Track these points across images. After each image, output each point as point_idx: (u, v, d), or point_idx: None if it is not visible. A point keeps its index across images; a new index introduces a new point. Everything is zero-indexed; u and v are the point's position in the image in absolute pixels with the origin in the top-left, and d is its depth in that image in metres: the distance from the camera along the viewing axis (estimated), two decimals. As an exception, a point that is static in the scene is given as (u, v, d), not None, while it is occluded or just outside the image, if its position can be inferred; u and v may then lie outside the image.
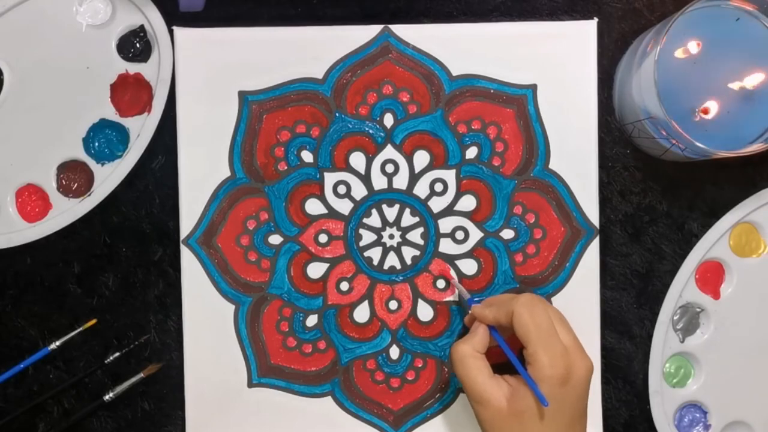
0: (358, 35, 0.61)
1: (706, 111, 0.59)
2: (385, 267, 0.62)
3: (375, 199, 0.62)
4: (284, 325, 0.62)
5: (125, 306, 0.62)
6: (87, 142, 0.61)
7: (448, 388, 0.62)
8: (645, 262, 0.64)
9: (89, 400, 0.61)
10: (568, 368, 0.52)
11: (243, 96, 0.61)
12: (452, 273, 0.61)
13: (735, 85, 0.59)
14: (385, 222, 0.62)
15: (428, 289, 0.62)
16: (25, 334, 0.61)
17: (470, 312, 0.58)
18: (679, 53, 0.59)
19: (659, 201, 0.64)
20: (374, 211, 0.62)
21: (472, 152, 0.62)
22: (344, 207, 0.62)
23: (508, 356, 0.54)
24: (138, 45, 0.61)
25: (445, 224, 0.62)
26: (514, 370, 0.53)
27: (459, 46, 0.61)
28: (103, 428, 0.62)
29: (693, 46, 0.59)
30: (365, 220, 0.62)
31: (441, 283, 0.62)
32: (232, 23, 0.61)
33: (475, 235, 0.62)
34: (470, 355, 0.55)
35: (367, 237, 0.62)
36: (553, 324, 0.53)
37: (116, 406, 0.61)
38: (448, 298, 0.62)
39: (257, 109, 0.61)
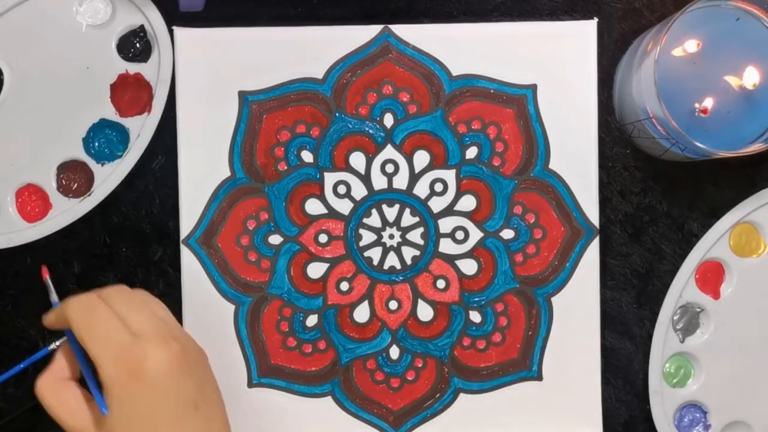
0: (358, 35, 0.61)
1: (705, 111, 0.59)
2: (385, 267, 0.62)
3: (375, 199, 0.62)
4: (284, 325, 0.62)
5: (125, 306, 0.62)
6: (87, 142, 0.61)
7: (448, 388, 0.62)
8: (645, 262, 0.64)
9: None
10: (137, 360, 0.45)
11: (243, 96, 0.61)
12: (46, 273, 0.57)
13: (732, 80, 0.59)
14: (385, 222, 0.62)
15: (428, 289, 0.62)
16: (25, 334, 0.61)
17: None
18: (679, 53, 0.59)
19: (659, 201, 0.64)
20: (374, 211, 0.62)
21: (472, 152, 0.62)
22: (344, 207, 0.62)
23: (82, 368, 0.49)
24: (138, 45, 0.61)
25: (445, 224, 0.62)
26: None
27: (459, 46, 0.61)
28: (103, 428, 0.62)
29: (693, 46, 0.59)
30: (365, 220, 0.62)
31: (441, 283, 0.62)
32: (232, 23, 0.61)
33: (475, 235, 0.62)
34: (50, 387, 0.48)
35: (367, 237, 0.62)
36: (116, 317, 0.46)
37: (116, 406, 0.61)
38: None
39: (257, 109, 0.61)
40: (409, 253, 0.62)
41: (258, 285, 0.61)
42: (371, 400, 0.62)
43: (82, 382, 0.51)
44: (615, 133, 0.63)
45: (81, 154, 0.61)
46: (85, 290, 0.61)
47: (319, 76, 0.61)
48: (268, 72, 0.61)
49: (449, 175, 0.62)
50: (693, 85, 0.59)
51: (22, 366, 0.61)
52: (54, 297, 0.56)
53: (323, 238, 0.62)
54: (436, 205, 0.62)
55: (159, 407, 0.45)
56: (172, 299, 0.61)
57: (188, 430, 0.46)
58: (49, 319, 0.51)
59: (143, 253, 0.62)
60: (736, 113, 0.59)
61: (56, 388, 0.49)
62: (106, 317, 0.47)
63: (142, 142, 0.61)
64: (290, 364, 0.62)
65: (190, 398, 0.47)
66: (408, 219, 0.62)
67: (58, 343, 0.60)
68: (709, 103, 0.59)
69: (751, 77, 0.59)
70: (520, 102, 0.62)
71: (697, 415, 0.64)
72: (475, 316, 0.62)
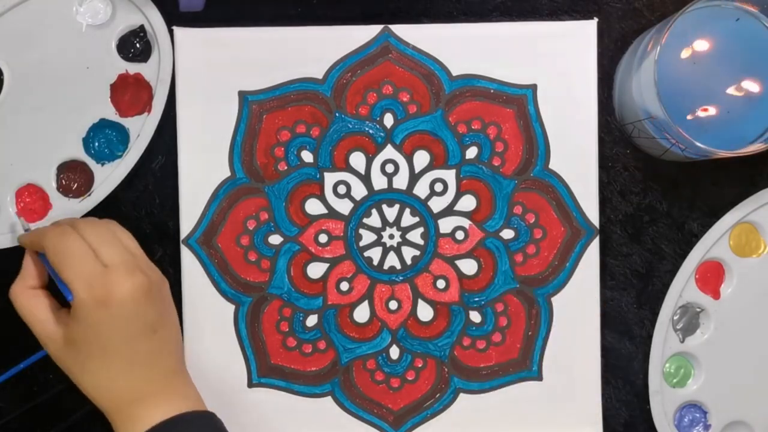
0: (358, 35, 0.61)
1: (705, 111, 0.59)
2: (385, 267, 0.62)
3: (375, 199, 0.62)
4: (284, 325, 0.62)
5: (125, 306, 0.62)
6: (87, 142, 0.61)
7: (448, 388, 0.62)
8: (645, 262, 0.64)
9: (89, 400, 0.61)
10: (106, 289, 0.50)
11: (243, 96, 0.61)
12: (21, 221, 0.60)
13: (734, 91, 0.59)
14: (385, 222, 0.62)
15: (428, 289, 0.62)
16: (25, 334, 0.61)
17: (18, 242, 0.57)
18: (679, 53, 0.59)
19: (659, 201, 0.64)
20: (374, 211, 0.62)
21: (472, 152, 0.62)
22: (344, 207, 0.62)
23: (55, 280, 0.53)
24: (138, 45, 0.61)
25: (445, 224, 0.62)
26: None
27: (459, 46, 0.61)
28: (103, 428, 0.62)
29: (693, 46, 0.59)
30: (365, 220, 0.62)
31: (441, 284, 0.62)
32: (232, 23, 0.61)
33: (475, 235, 0.62)
34: (21, 293, 0.54)
35: (367, 237, 0.62)
36: (88, 247, 0.51)
37: (116, 406, 0.61)
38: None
39: (257, 109, 0.61)
40: (409, 253, 0.62)
41: (258, 285, 0.61)
42: (371, 400, 0.62)
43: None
44: (615, 133, 0.63)
45: (81, 154, 0.61)
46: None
47: (319, 76, 0.61)
48: (268, 72, 0.61)
49: (449, 175, 0.62)
50: (693, 85, 0.59)
51: (22, 366, 0.61)
52: (27, 225, 0.59)
53: (323, 238, 0.62)
54: (436, 205, 0.62)
55: (120, 330, 0.51)
56: (172, 299, 0.61)
57: (143, 350, 0.52)
58: (23, 240, 0.56)
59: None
60: (736, 113, 0.59)
61: (28, 296, 0.54)
62: (78, 246, 0.51)
63: (142, 142, 0.61)
64: (290, 364, 0.62)
65: (149, 323, 0.52)
66: (408, 219, 0.62)
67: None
68: (709, 103, 0.59)
69: (751, 87, 0.59)
70: (520, 102, 0.62)
71: (697, 415, 0.64)
72: (475, 316, 0.62)
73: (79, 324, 0.51)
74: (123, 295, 0.51)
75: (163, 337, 0.53)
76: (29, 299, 0.54)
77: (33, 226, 0.60)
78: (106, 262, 0.51)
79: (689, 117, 0.59)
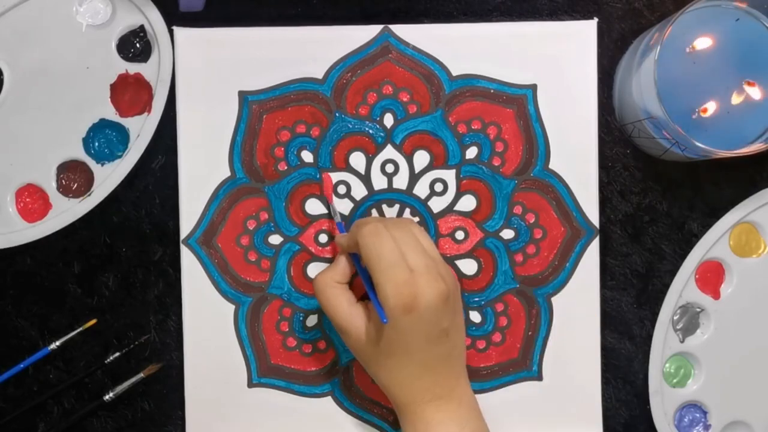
0: (358, 35, 0.61)
1: (705, 111, 0.59)
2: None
3: (375, 199, 0.62)
4: (284, 325, 0.62)
5: (125, 306, 0.62)
6: (87, 142, 0.61)
7: (448, 388, 0.62)
8: (645, 262, 0.64)
9: (89, 400, 0.61)
10: (413, 296, 0.51)
11: (243, 96, 0.61)
12: (334, 197, 0.61)
13: (736, 96, 0.59)
14: (385, 222, 0.62)
15: (428, 289, 0.62)
16: (25, 334, 0.61)
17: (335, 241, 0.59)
18: (679, 53, 0.59)
19: (659, 201, 0.64)
20: (374, 211, 0.62)
21: (472, 152, 0.62)
22: (344, 207, 0.62)
23: (364, 283, 0.55)
24: (138, 45, 0.61)
25: (445, 224, 0.62)
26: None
27: (459, 46, 0.61)
28: (103, 428, 0.62)
29: (693, 46, 0.59)
30: (365, 220, 0.62)
31: (441, 283, 0.62)
32: (232, 23, 0.61)
33: (475, 235, 0.62)
34: (330, 285, 0.56)
35: (367, 237, 0.62)
36: (399, 250, 0.52)
37: (116, 406, 0.61)
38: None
39: (257, 109, 0.61)
40: (409, 253, 0.62)
41: (258, 285, 0.61)
42: (371, 400, 0.62)
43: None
44: (615, 133, 0.63)
45: (81, 154, 0.61)
46: (84, 290, 0.61)
47: (319, 76, 0.61)
48: (268, 72, 0.61)
49: (449, 175, 0.62)
50: (693, 85, 0.59)
51: (22, 366, 0.61)
52: (337, 218, 0.60)
53: (323, 238, 0.62)
54: (436, 205, 0.62)
55: (420, 334, 0.53)
56: (172, 299, 0.61)
57: (436, 352, 0.54)
58: (341, 241, 0.57)
59: (143, 253, 0.62)
60: (736, 113, 0.59)
61: (334, 287, 0.56)
62: (391, 249, 0.52)
63: (142, 142, 0.61)
64: (290, 364, 0.62)
65: (445, 328, 0.53)
66: (408, 219, 0.62)
67: (58, 343, 0.60)
68: (709, 103, 0.59)
69: (754, 94, 0.59)
70: (520, 102, 0.62)
71: (697, 415, 0.64)
72: (475, 316, 0.62)
73: (387, 328, 0.52)
74: (427, 303, 0.52)
75: (454, 340, 0.54)
76: (335, 292, 0.56)
77: (34, 225, 0.60)
78: (411, 267, 0.52)
79: (689, 116, 0.59)
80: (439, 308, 0.52)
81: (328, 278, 0.56)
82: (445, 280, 0.53)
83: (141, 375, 0.61)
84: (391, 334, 0.52)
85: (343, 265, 0.56)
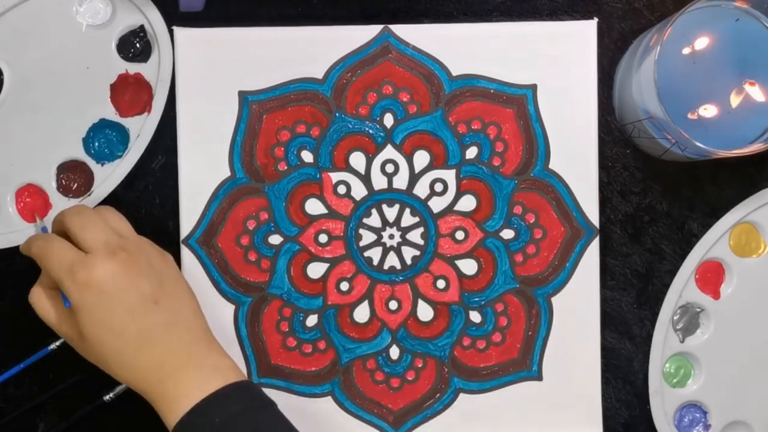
0: (358, 35, 0.61)
1: (705, 111, 0.59)
2: (385, 267, 0.62)
3: (375, 199, 0.62)
4: (284, 325, 0.62)
5: (125, 306, 0.61)
6: (87, 142, 0.61)
7: (448, 388, 0.62)
8: (645, 262, 0.64)
9: (89, 400, 0.61)
10: (87, 271, 0.51)
11: (243, 96, 0.61)
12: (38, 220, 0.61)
13: (735, 95, 0.59)
14: (385, 222, 0.62)
15: (428, 289, 0.62)
16: (25, 334, 0.61)
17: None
18: (679, 53, 0.59)
19: (659, 201, 0.64)
20: (374, 211, 0.62)
21: (472, 152, 0.62)
22: (344, 207, 0.62)
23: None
24: (138, 45, 0.61)
25: (445, 224, 0.62)
26: None
27: (459, 46, 0.61)
28: (103, 428, 0.62)
29: (693, 46, 0.59)
30: (365, 220, 0.62)
31: (441, 284, 0.62)
32: (232, 23, 0.61)
33: (475, 235, 0.62)
34: (37, 296, 0.55)
35: (367, 237, 0.62)
36: (64, 241, 0.53)
37: (116, 406, 0.61)
38: None
39: (257, 109, 0.61)
40: (409, 253, 0.62)
41: (258, 285, 0.61)
42: (371, 400, 0.62)
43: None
44: (615, 133, 0.63)
45: (81, 154, 0.61)
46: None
47: (319, 76, 0.61)
48: (268, 72, 0.61)
49: (449, 175, 0.62)
50: (693, 85, 0.59)
51: (22, 366, 0.61)
52: (42, 224, 0.60)
53: (323, 238, 0.62)
54: (436, 205, 0.62)
55: (114, 306, 0.52)
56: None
57: (150, 322, 0.52)
58: (23, 248, 0.57)
59: (143, 253, 0.61)
60: (736, 113, 0.59)
61: (43, 296, 0.55)
62: (57, 243, 0.53)
63: (142, 142, 0.61)
64: (290, 364, 0.62)
65: (147, 295, 0.53)
66: (408, 219, 0.62)
67: (57, 343, 0.60)
68: (709, 103, 0.59)
69: (755, 95, 0.59)
70: (520, 102, 0.62)
71: (697, 415, 0.64)
72: (475, 316, 0.62)
73: (79, 313, 0.52)
74: (103, 275, 0.51)
75: (171, 307, 0.53)
76: (43, 301, 0.55)
77: (34, 229, 0.60)
78: (87, 247, 0.52)
79: (689, 116, 0.59)
80: (122, 277, 0.52)
81: (36, 288, 0.55)
82: (127, 250, 0.53)
83: (141, 375, 0.61)
84: (87, 319, 0.52)
85: (45, 270, 0.55)
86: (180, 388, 0.51)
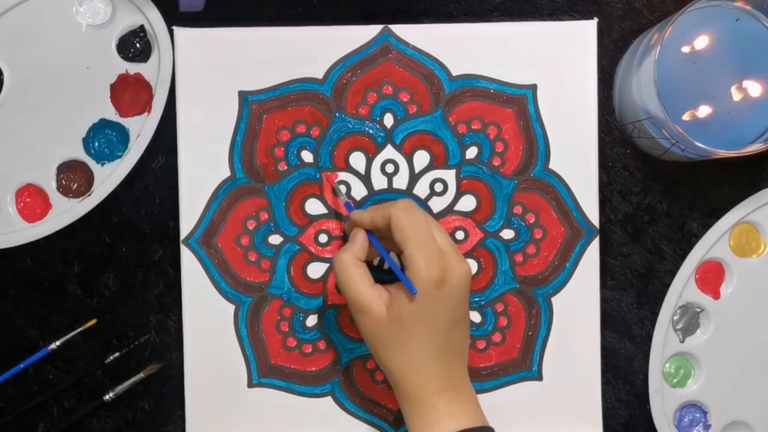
0: (358, 35, 0.61)
1: (704, 111, 0.59)
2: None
3: (375, 199, 0.62)
4: (284, 325, 0.62)
5: (125, 306, 0.62)
6: (87, 142, 0.61)
7: (448, 388, 0.62)
8: (645, 262, 0.64)
9: (89, 400, 0.61)
10: (444, 270, 0.52)
11: (243, 96, 0.61)
12: (336, 183, 0.61)
13: (735, 91, 0.59)
14: (385, 222, 0.62)
15: (428, 289, 0.62)
16: (25, 334, 0.61)
17: (350, 218, 0.57)
18: (679, 53, 0.59)
19: (659, 201, 0.64)
20: (374, 211, 0.62)
21: (472, 152, 0.62)
22: (344, 207, 0.62)
23: (384, 257, 0.55)
24: (138, 45, 0.61)
25: (445, 224, 0.62)
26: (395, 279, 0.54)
27: (459, 46, 0.61)
28: (103, 428, 0.62)
29: (693, 46, 0.59)
30: (365, 220, 0.62)
31: (441, 283, 0.62)
32: (232, 23, 0.61)
33: (475, 235, 0.62)
34: (351, 263, 0.55)
35: (367, 237, 0.62)
36: (430, 228, 0.53)
37: (116, 406, 0.61)
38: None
39: (257, 109, 0.61)
40: (409, 253, 0.62)
41: (258, 285, 0.61)
42: (371, 400, 0.62)
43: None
44: (615, 133, 0.63)
45: (81, 154, 0.61)
46: (85, 290, 0.61)
47: (319, 76, 0.61)
48: (268, 72, 0.61)
49: (449, 175, 0.62)
50: (693, 85, 0.59)
51: (22, 366, 0.61)
52: (344, 198, 0.61)
53: (323, 238, 0.62)
54: (436, 205, 0.62)
55: (445, 312, 0.53)
56: (172, 299, 0.61)
57: (455, 337, 0.54)
58: (357, 216, 0.57)
59: (143, 253, 0.62)
60: (736, 113, 0.59)
61: (356, 265, 0.55)
62: (425, 224, 0.53)
63: (142, 142, 0.61)
64: (290, 364, 0.62)
65: (464, 313, 0.54)
66: (408, 219, 0.62)
67: (58, 343, 0.60)
68: (708, 103, 0.59)
69: (754, 89, 0.59)
70: (520, 102, 0.62)
71: (697, 415, 0.64)
72: (475, 316, 0.62)
73: (422, 302, 0.52)
74: (458, 280, 0.53)
75: (466, 330, 0.55)
76: (358, 271, 0.55)
77: (34, 225, 0.60)
78: (440, 246, 0.53)
79: (689, 117, 0.59)
80: (466, 288, 0.53)
81: (349, 255, 0.55)
82: (467, 264, 0.54)
83: (141, 375, 0.61)
84: (418, 310, 0.52)
85: (362, 241, 0.56)
86: (443, 405, 0.53)
